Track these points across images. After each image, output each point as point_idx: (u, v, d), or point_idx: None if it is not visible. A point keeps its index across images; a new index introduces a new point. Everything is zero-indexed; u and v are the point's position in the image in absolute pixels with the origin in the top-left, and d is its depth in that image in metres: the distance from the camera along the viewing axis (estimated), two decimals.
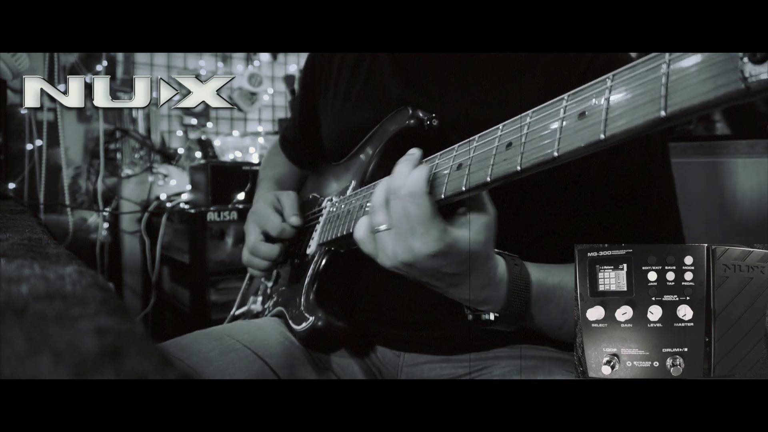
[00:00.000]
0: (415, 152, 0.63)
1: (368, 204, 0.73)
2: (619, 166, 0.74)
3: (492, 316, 0.66)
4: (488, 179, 0.52)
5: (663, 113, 0.38)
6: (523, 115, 0.51)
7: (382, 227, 0.62)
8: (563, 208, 0.77)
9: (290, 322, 0.88)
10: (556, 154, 0.46)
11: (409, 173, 0.60)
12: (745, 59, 0.34)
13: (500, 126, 0.54)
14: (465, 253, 0.60)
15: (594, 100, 0.44)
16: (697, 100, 0.37)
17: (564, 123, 0.46)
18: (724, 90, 0.35)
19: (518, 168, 0.49)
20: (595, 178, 0.75)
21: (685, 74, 0.38)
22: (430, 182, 0.59)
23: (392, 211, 0.60)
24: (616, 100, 0.42)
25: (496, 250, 0.65)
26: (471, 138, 0.57)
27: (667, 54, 0.39)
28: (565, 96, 0.47)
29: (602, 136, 0.42)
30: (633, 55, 0.80)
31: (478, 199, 0.60)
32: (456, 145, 0.59)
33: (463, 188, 0.55)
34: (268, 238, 0.99)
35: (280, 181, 1.15)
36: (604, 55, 0.76)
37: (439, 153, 0.62)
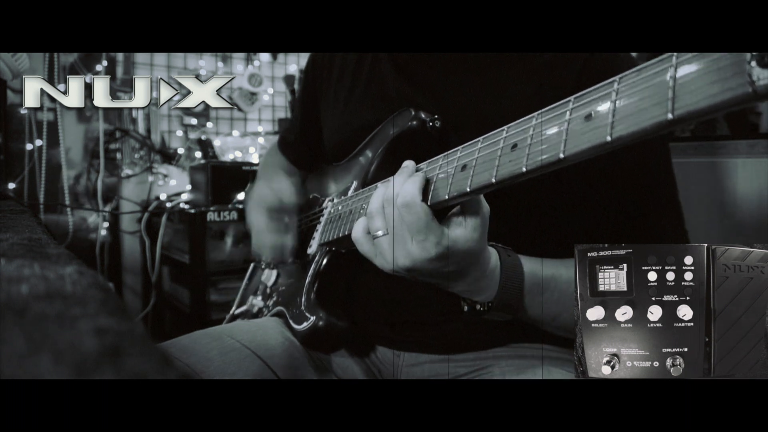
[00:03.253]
0: (408, 164, 0.64)
1: (363, 207, 0.73)
2: (620, 167, 0.74)
3: (486, 306, 0.67)
4: (493, 180, 0.53)
5: (670, 116, 0.39)
6: (528, 117, 0.52)
7: (380, 233, 0.63)
8: (566, 210, 0.77)
9: (291, 321, 0.88)
10: (562, 155, 0.46)
11: (403, 183, 0.61)
12: (753, 63, 0.34)
13: (505, 128, 0.54)
14: (463, 252, 0.61)
15: (601, 102, 0.44)
16: (704, 103, 0.37)
17: (570, 125, 0.46)
18: (732, 93, 0.35)
19: (524, 169, 0.50)
20: (597, 180, 0.75)
21: (692, 77, 0.38)
22: (425, 189, 0.60)
23: (389, 219, 0.62)
24: (623, 102, 0.42)
25: (491, 243, 0.66)
26: (475, 140, 0.57)
27: (674, 57, 0.39)
28: (571, 98, 0.48)
29: (609, 138, 0.43)
30: (633, 55, 0.80)
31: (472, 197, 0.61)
32: (460, 147, 0.59)
33: (468, 189, 0.55)
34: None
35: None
36: (601, 54, 0.75)
37: (442, 155, 0.62)
